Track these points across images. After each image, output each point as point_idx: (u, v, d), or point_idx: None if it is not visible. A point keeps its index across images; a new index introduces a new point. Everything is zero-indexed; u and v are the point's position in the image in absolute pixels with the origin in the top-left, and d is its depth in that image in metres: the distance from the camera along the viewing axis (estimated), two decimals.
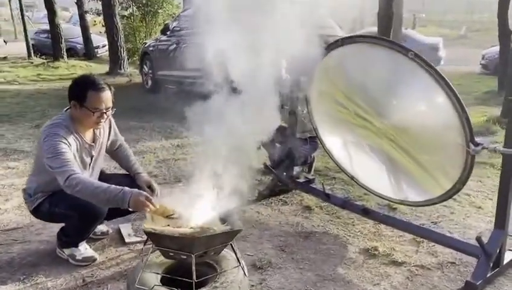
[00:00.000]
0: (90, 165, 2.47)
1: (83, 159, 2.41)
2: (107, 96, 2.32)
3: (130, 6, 14.21)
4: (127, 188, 2.07)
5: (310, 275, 2.41)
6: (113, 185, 2.10)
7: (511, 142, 2.21)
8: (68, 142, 2.24)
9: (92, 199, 2.13)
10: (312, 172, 4.06)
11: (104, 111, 2.32)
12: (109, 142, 2.62)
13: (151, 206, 2.03)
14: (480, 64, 13.35)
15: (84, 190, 2.08)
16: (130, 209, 2.09)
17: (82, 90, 2.27)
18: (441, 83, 2.24)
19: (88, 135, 2.43)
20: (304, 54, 2.47)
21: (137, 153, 4.54)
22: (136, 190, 2.10)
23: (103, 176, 2.60)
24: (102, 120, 2.35)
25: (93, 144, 2.45)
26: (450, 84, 2.23)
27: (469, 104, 8.18)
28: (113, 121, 2.64)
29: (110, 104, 2.35)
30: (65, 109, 2.38)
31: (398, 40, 12.33)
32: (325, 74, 2.93)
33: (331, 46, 2.76)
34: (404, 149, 2.63)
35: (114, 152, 2.73)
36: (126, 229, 2.85)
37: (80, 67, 12.77)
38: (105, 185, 2.11)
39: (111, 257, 2.54)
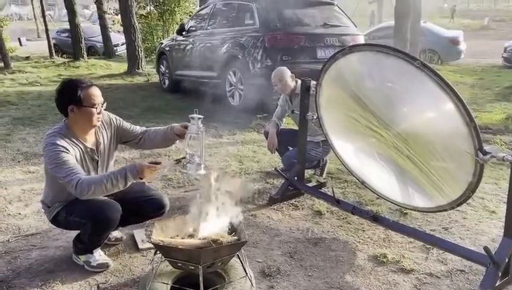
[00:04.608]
0: (96, 170, 2.53)
1: (87, 164, 2.46)
2: (98, 90, 2.42)
3: (148, 5, 14.39)
4: (127, 166, 2.23)
5: (318, 283, 2.44)
6: (114, 170, 2.24)
7: None
8: (66, 149, 2.30)
9: (108, 192, 2.23)
10: (324, 175, 4.09)
11: (101, 105, 2.41)
12: (116, 144, 2.67)
13: (157, 166, 2.21)
14: (502, 57, 13.04)
15: (97, 189, 2.18)
16: (142, 180, 2.24)
17: (74, 93, 2.33)
18: (449, 92, 2.23)
19: (89, 140, 2.48)
20: None
21: (151, 155, 4.64)
22: (134, 163, 2.27)
23: None
24: (100, 116, 2.43)
25: (94, 147, 2.50)
26: (458, 93, 2.22)
27: (490, 100, 8.09)
28: (116, 120, 2.66)
29: (102, 98, 2.43)
30: (63, 120, 2.44)
31: (417, 33, 12.17)
32: (334, 80, 2.93)
33: (339, 53, 2.75)
34: (413, 157, 2.62)
35: (142, 142, 2.72)
36: (140, 235, 2.92)
37: (100, 67, 13.01)
38: (107, 175, 2.23)
39: (125, 264, 2.62)
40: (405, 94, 2.54)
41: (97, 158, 2.53)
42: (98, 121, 2.43)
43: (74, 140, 2.39)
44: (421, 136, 2.48)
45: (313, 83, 3.29)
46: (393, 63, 2.46)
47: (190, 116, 2.38)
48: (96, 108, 2.38)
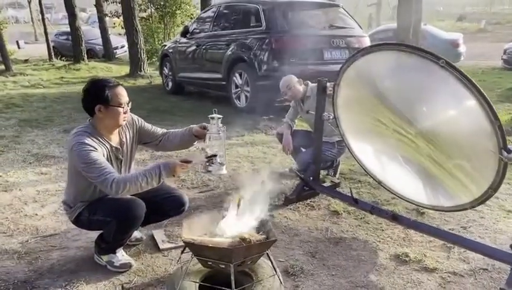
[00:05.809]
0: (120, 169, 2.53)
1: (111, 163, 2.45)
2: (124, 90, 2.43)
3: (149, 8, 14.40)
4: (159, 164, 2.25)
5: (343, 282, 2.44)
6: (148, 168, 2.26)
7: None
8: (95, 148, 2.30)
9: (142, 190, 2.25)
10: (337, 175, 4.09)
11: (127, 104, 2.42)
12: (137, 144, 2.67)
13: (189, 165, 2.28)
14: (502, 59, 13.13)
15: (132, 187, 2.19)
16: (174, 176, 2.29)
17: (101, 93, 2.32)
18: (473, 91, 2.24)
19: (114, 139, 2.48)
20: None
21: (162, 157, 4.63)
22: (167, 161, 2.30)
23: None
24: (126, 115, 2.44)
25: (119, 147, 2.50)
26: (482, 91, 2.23)
27: (493, 102, 8.04)
28: (138, 121, 2.66)
29: (128, 98, 2.44)
30: (88, 120, 2.44)
31: (417, 36, 12.21)
32: (354, 81, 2.93)
33: (358, 53, 2.75)
34: (440, 160, 2.62)
35: (162, 144, 2.72)
36: (159, 235, 2.91)
37: (101, 69, 13.01)
38: (142, 173, 2.23)
39: (147, 264, 2.61)
40: (429, 94, 2.53)
41: (121, 157, 2.52)
42: (124, 120, 2.44)
43: (100, 139, 2.38)
44: (448, 136, 2.48)
45: (329, 83, 3.30)
46: (416, 63, 2.46)
47: (210, 116, 2.39)
48: (123, 107, 2.38)
